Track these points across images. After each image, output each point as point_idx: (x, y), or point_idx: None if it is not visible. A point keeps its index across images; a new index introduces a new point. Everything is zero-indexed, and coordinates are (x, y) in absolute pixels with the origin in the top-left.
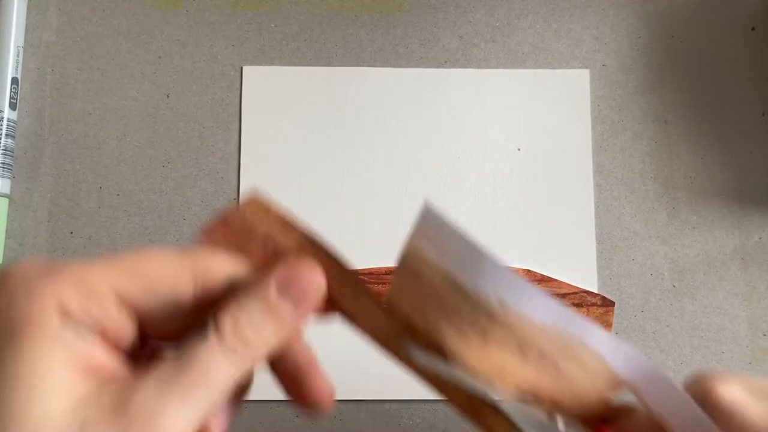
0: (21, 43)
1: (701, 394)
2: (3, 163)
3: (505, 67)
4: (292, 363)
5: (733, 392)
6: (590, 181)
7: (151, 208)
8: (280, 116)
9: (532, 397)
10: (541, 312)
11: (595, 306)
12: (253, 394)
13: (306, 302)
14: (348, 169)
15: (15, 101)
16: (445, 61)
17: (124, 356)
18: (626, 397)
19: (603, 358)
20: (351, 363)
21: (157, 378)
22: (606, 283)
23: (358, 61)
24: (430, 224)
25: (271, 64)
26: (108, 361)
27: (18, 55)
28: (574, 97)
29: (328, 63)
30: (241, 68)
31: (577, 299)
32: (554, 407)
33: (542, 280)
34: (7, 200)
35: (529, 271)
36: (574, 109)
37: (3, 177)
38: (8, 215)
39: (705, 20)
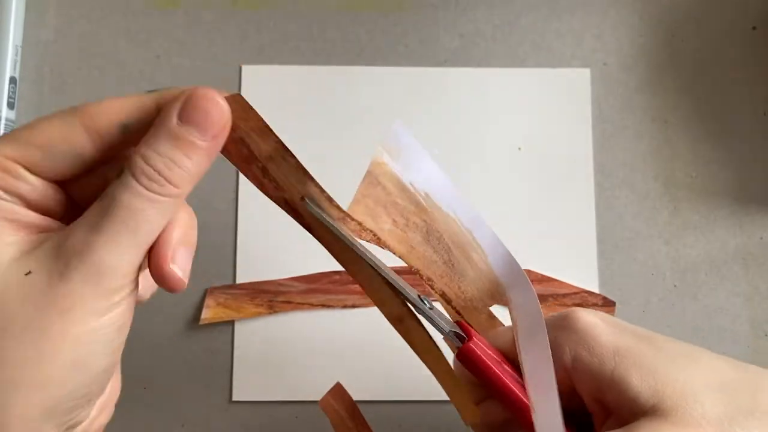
0: (19, 42)
1: (562, 316)
2: None
3: (505, 66)
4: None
5: (590, 318)
6: (591, 181)
7: None
8: (279, 115)
9: (422, 278)
10: (453, 206)
11: (596, 306)
12: (254, 395)
13: (210, 126)
14: (347, 168)
15: (13, 100)
16: (446, 60)
17: (59, 220)
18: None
19: (488, 262)
20: (352, 364)
21: (86, 222)
22: (607, 282)
23: (358, 60)
24: (392, 139)
25: (270, 63)
26: (41, 220)
27: (16, 54)
28: (574, 96)
29: (328, 62)
30: (240, 67)
31: (578, 299)
32: (441, 296)
33: (542, 280)
34: None
35: (530, 271)
36: (574, 109)
37: None
38: None
39: (706, 20)
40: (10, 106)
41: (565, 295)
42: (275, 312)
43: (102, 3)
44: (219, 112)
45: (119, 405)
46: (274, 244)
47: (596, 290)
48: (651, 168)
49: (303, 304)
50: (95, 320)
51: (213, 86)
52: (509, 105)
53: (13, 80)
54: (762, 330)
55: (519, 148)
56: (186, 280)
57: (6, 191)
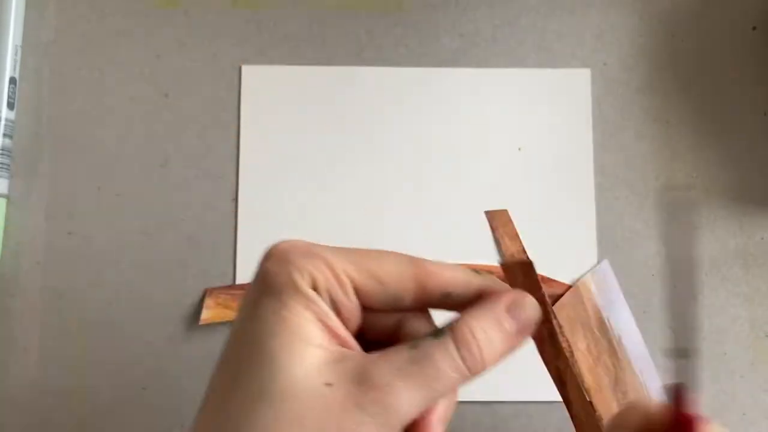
0: (19, 42)
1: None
2: (1, 163)
3: (505, 66)
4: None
5: None
6: (591, 181)
7: (149, 207)
8: (279, 116)
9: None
10: (641, 365)
11: None
12: None
13: (527, 328)
14: (347, 168)
15: (13, 101)
16: (446, 60)
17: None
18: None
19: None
20: None
21: (394, 363)
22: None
23: (358, 61)
24: (600, 274)
25: (271, 63)
26: (346, 336)
27: (16, 55)
28: (575, 96)
29: (328, 62)
30: (240, 67)
31: None
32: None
33: (542, 281)
34: (5, 200)
35: None
36: (575, 109)
37: (1, 177)
38: (6, 215)
39: (706, 20)
40: (10, 106)
41: (563, 297)
42: None
43: (102, 3)
44: (536, 319)
45: (119, 405)
46: (273, 241)
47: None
48: (651, 168)
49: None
50: None
51: (214, 87)
52: (509, 105)
53: (12, 80)
54: (762, 330)
55: (519, 149)
56: None
57: (332, 300)
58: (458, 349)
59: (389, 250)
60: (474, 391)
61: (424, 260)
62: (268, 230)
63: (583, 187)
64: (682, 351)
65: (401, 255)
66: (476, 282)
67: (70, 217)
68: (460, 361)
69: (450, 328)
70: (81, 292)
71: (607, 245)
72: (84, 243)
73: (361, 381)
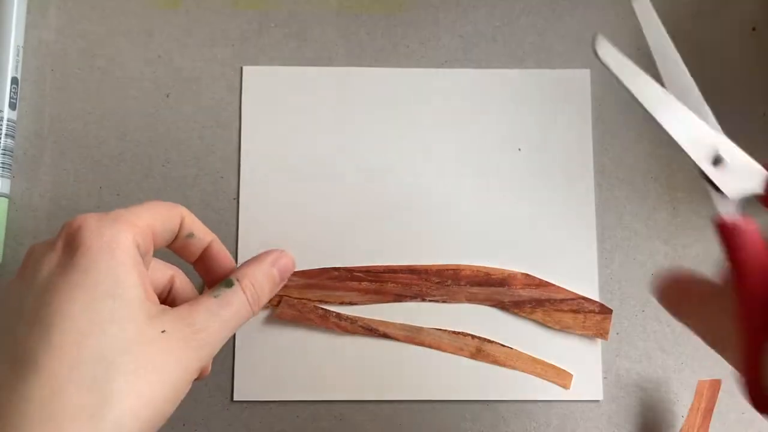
0: (21, 42)
1: None
2: (3, 163)
3: (505, 66)
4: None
5: None
6: (591, 181)
7: None
8: (280, 116)
9: None
10: None
11: (593, 313)
12: (255, 395)
13: (286, 275)
14: (348, 169)
15: (15, 101)
16: (446, 61)
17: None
18: None
19: None
20: (352, 364)
21: (206, 309)
22: (607, 282)
23: (359, 61)
24: None
25: (271, 64)
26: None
27: (18, 55)
28: (575, 96)
29: (329, 63)
30: (241, 68)
31: (575, 305)
32: None
33: (540, 285)
34: (7, 200)
35: (527, 275)
36: (575, 109)
37: (3, 177)
38: (8, 215)
39: (705, 20)
40: (12, 106)
41: (562, 301)
42: (275, 307)
43: (103, 3)
44: (290, 272)
45: None
46: (274, 242)
47: (596, 290)
48: (651, 168)
49: (300, 299)
50: (189, 375)
51: (214, 87)
52: (509, 106)
53: (14, 80)
54: None
55: (519, 149)
56: None
57: (146, 252)
58: (246, 294)
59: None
60: (474, 390)
61: (183, 207)
62: (268, 230)
63: (582, 187)
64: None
65: (167, 204)
66: (210, 234)
67: (71, 216)
68: (248, 303)
69: (237, 279)
70: None
71: (607, 245)
72: None
73: (189, 325)
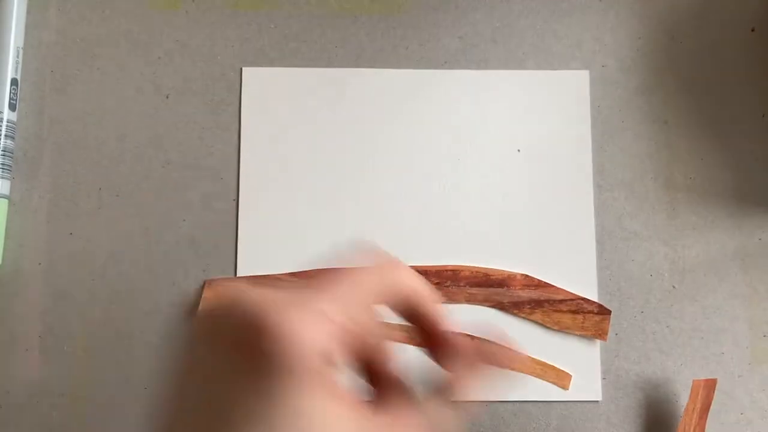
0: (21, 43)
1: None
2: (2, 164)
3: (505, 67)
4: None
5: None
6: (590, 182)
7: (150, 209)
8: (279, 117)
9: None
10: None
11: (592, 314)
12: None
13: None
14: (347, 170)
15: (14, 102)
16: (445, 62)
17: None
18: None
19: None
20: None
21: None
22: (606, 283)
23: (358, 62)
24: None
25: (271, 65)
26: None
27: (17, 56)
28: (573, 98)
29: (328, 64)
30: (241, 69)
31: (574, 306)
32: None
33: (539, 286)
34: (6, 201)
35: (526, 276)
36: (574, 110)
37: (2, 178)
38: (8, 216)
39: (705, 21)
40: (12, 107)
41: (561, 301)
42: None
43: (103, 4)
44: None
45: (119, 405)
46: (274, 242)
47: (595, 291)
48: (650, 169)
49: None
50: None
51: (214, 88)
52: (508, 107)
53: (14, 82)
54: (761, 331)
55: (518, 150)
56: None
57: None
58: (426, 416)
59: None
60: (474, 390)
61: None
62: (268, 231)
63: (582, 187)
64: None
65: (368, 273)
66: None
67: (71, 217)
68: (426, 425)
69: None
70: (82, 292)
71: (606, 246)
72: (85, 243)
73: None
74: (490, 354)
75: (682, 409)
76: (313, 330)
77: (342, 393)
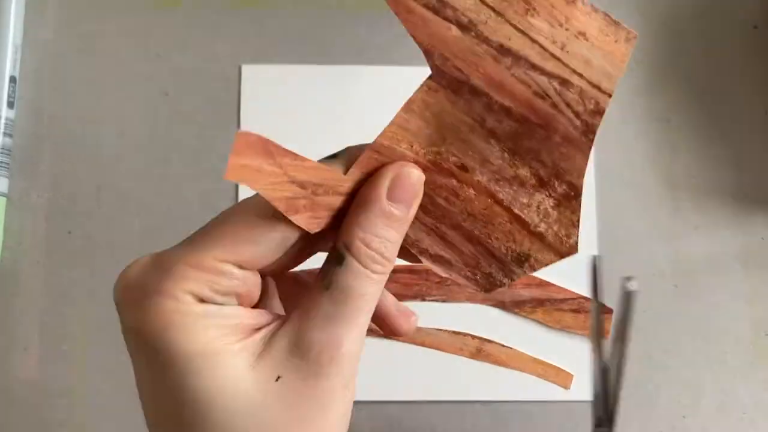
0: (19, 41)
1: None
2: (1, 162)
3: None
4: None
5: None
6: (592, 181)
7: (149, 206)
8: (279, 115)
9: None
10: None
11: None
12: None
13: (414, 199)
14: None
15: (13, 100)
16: None
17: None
18: None
19: None
20: None
21: (320, 315)
22: (607, 283)
23: (358, 60)
24: None
25: (270, 62)
26: (255, 318)
27: (16, 54)
28: None
29: (328, 61)
30: (240, 67)
31: (575, 305)
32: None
33: (540, 285)
34: (5, 199)
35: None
36: None
37: (1, 176)
38: (6, 214)
39: (707, 19)
40: (10, 105)
41: (562, 300)
42: None
43: (102, 2)
44: (420, 184)
45: (119, 405)
46: None
47: None
48: (652, 168)
49: None
50: (344, 407)
51: (213, 86)
52: None
53: (13, 79)
54: (762, 330)
55: None
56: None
57: (224, 294)
58: (365, 265)
59: (242, 201)
60: (474, 390)
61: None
62: None
63: (583, 186)
64: (600, 420)
65: (252, 200)
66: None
67: (70, 216)
68: (373, 275)
69: (346, 246)
70: (81, 291)
71: (607, 245)
72: (84, 242)
73: (303, 352)
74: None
75: (685, 408)
76: (169, 279)
77: (227, 321)
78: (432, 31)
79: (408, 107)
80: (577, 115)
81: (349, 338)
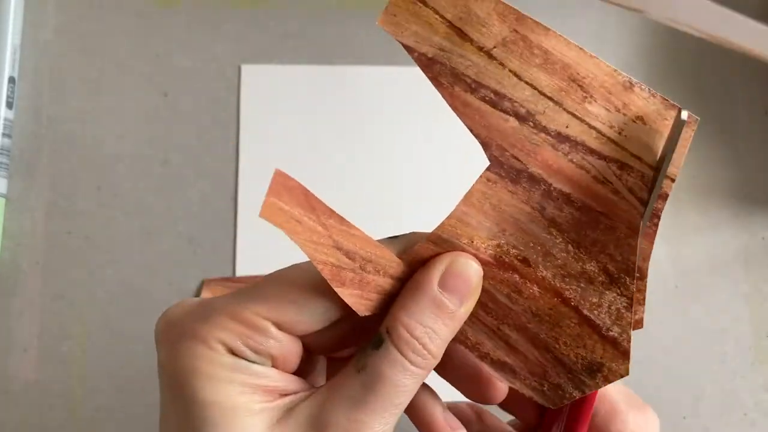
0: (18, 41)
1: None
2: (0, 163)
3: None
4: (461, 362)
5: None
6: None
7: (149, 207)
8: (278, 115)
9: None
10: None
11: None
12: None
13: (470, 293)
14: (347, 167)
15: (12, 100)
16: None
17: (296, 376)
18: None
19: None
20: None
21: (347, 396)
22: None
23: (358, 60)
24: None
25: (270, 62)
26: (285, 383)
27: (15, 54)
28: None
29: (328, 61)
30: (240, 67)
31: None
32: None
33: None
34: (4, 200)
35: None
36: None
37: (0, 176)
38: (5, 215)
39: None
40: (9, 105)
41: None
42: None
43: (101, 2)
44: (478, 278)
45: (119, 405)
46: (273, 241)
47: None
48: None
49: None
50: None
51: (213, 86)
52: None
53: (12, 80)
54: (764, 330)
55: None
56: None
57: (256, 352)
58: (403, 354)
59: (296, 264)
60: None
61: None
62: (267, 230)
63: None
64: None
65: (306, 265)
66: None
67: (69, 216)
68: (411, 366)
69: (387, 330)
70: (81, 292)
71: None
72: (83, 243)
73: (319, 428)
74: None
75: (686, 410)
76: (206, 325)
77: (258, 385)
78: (489, 123)
79: (467, 200)
80: (640, 201)
81: (373, 427)
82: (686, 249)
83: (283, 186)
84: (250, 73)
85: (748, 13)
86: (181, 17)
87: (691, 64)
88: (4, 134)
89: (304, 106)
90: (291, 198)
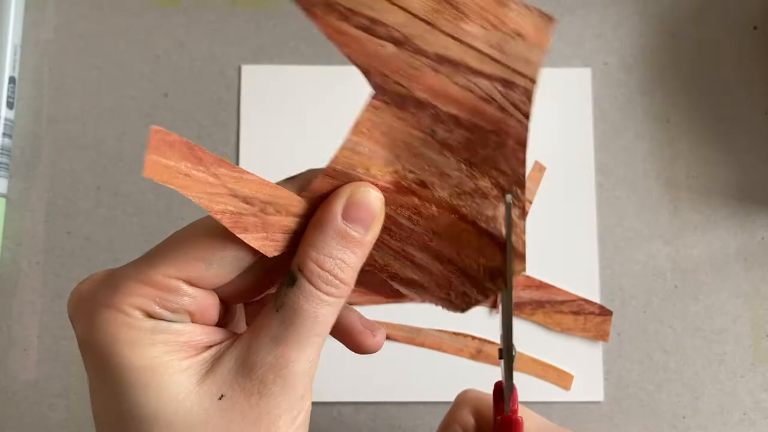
0: (19, 41)
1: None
2: (0, 163)
3: None
4: (341, 321)
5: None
6: (592, 181)
7: (148, 207)
8: (278, 115)
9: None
10: None
11: (593, 315)
12: None
13: (374, 221)
14: None
15: (12, 100)
16: None
17: (218, 327)
18: None
19: None
20: (351, 365)
21: (269, 335)
22: (608, 283)
23: None
24: None
25: (270, 62)
26: (208, 336)
27: (15, 54)
28: (575, 96)
29: (327, 62)
30: (240, 67)
31: (575, 307)
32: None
33: (540, 287)
34: (4, 200)
35: (527, 276)
36: (575, 108)
37: (0, 176)
38: (5, 215)
39: (707, 19)
40: (10, 105)
41: (562, 302)
42: None
43: (101, 2)
44: (380, 205)
45: None
46: None
47: (597, 290)
48: (652, 168)
49: None
50: (292, 427)
51: (213, 86)
52: None
53: (12, 80)
54: (763, 330)
55: None
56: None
57: (173, 311)
58: (317, 287)
59: (198, 219)
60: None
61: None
62: None
63: (583, 186)
64: (501, 352)
65: (206, 218)
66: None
67: (69, 217)
68: (326, 297)
69: (299, 267)
70: None
71: (608, 245)
72: (83, 243)
73: (249, 371)
74: None
75: (685, 409)
76: (117, 294)
77: (181, 343)
78: (367, 51)
79: (356, 129)
80: (526, 116)
81: (299, 359)
82: (686, 249)
83: (164, 141)
84: (250, 73)
85: (748, 15)
86: (181, 17)
87: (691, 63)
88: (4, 134)
89: (304, 106)
90: (174, 153)
